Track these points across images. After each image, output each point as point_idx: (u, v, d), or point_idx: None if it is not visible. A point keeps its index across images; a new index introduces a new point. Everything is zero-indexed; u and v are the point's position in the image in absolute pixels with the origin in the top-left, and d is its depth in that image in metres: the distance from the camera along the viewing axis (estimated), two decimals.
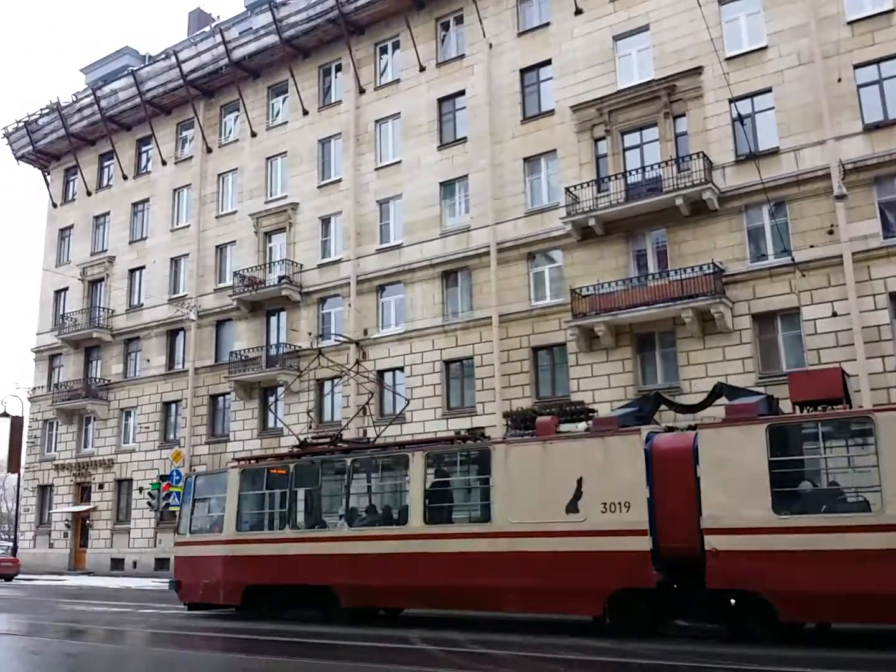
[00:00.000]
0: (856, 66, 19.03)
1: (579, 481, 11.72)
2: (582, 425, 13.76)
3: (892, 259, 18.13)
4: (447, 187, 25.16)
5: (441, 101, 25.71)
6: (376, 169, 26.60)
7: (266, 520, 15.23)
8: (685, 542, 10.76)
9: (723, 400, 12.25)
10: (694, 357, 20.05)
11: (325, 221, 27.61)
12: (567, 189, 21.93)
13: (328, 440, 15.95)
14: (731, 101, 19.65)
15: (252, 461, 16.42)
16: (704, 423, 11.94)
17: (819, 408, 11.13)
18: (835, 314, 18.44)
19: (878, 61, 18.87)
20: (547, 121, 23.40)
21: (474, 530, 12.60)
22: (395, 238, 25.84)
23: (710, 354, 19.83)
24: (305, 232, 27.86)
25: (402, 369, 24.72)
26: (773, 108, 20.07)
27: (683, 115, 21.22)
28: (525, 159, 23.61)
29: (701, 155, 20.19)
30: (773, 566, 10.13)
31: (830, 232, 18.74)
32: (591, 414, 14.03)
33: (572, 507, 11.73)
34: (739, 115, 17.60)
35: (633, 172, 21.25)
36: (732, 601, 10.49)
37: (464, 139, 24.92)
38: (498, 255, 23.28)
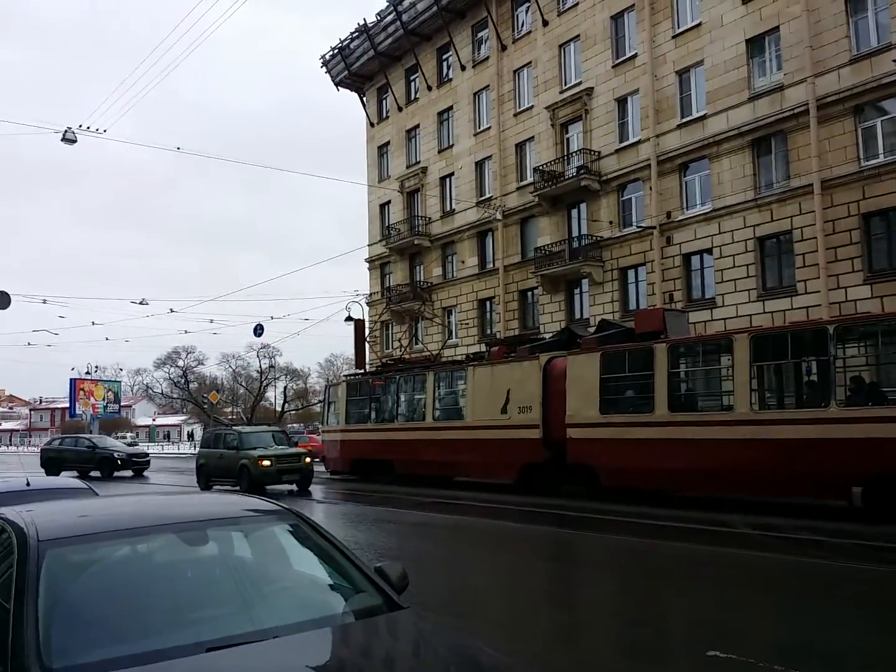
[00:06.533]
0: None
1: (508, 392, 17.24)
2: None
3: None
4: (755, 44, 22.49)
5: None
6: (674, 37, 24.59)
7: (360, 417, 22.60)
8: (560, 433, 15.81)
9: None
10: None
11: (622, 102, 26.37)
12: None
13: (401, 360, 23.69)
14: None
15: (355, 376, 24.59)
16: (573, 351, 16.27)
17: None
18: None
19: None
20: None
21: (454, 424, 19.02)
22: (697, 110, 23.90)
23: None
24: (601, 117, 26.92)
25: (710, 251, 23.20)
26: None
27: None
28: None
29: None
30: (598, 448, 14.94)
31: None
32: (534, 341, 19.41)
33: (504, 410, 17.29)
34: None
35: None
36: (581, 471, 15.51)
37: None
38: (818, 113, 20.50)
